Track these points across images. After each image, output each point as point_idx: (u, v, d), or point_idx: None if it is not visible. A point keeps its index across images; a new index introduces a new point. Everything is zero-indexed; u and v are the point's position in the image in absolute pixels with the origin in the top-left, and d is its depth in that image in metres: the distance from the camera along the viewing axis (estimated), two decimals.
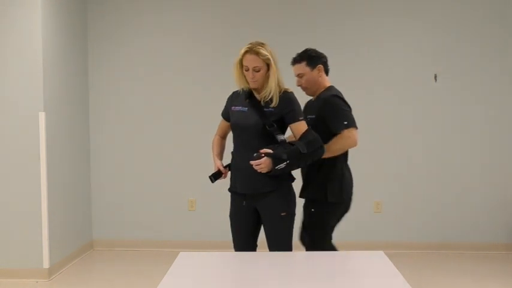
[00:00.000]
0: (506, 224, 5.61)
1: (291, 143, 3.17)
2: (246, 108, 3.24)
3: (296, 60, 3.60)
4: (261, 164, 3.08)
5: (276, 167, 3.08)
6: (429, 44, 5.61)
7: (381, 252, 2.86)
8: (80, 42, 5.59)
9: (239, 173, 3.27)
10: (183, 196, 5.79)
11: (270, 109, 3.18)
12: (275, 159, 3.08)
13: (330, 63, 3.64)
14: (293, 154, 3.10)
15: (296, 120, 3.19)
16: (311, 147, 3.15)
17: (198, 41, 5.70)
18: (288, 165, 3.10)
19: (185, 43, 5.74)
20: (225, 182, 3.42)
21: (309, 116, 3.49)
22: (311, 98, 3.68)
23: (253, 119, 3.19)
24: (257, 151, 3.11)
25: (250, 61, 3.15)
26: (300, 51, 5.86)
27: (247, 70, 3.18)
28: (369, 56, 5.64)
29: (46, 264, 4.76)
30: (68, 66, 5.29)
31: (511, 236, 5.61)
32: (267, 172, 3.11)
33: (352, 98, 5.65)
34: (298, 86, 3.60)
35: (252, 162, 3.09)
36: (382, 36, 5.64)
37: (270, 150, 3.09)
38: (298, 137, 3.19)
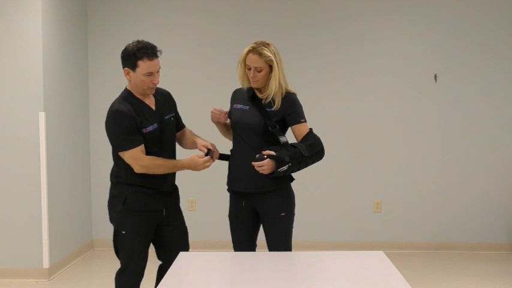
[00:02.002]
0: (506, 224, 5.61)
1: (293, 145, 3.16)
2: (248, 107, 3.23)
3: (157, 55, 3.19)
4: (264, 166, 3.07)
5: (279, 170, 3.08)
6: (429, 44, 5.60)
7: (380, 252, 2.86)
8: (80, 42, 5.59)
9: (239, 172, 3.26)
10: (183, 196, 5.73)
11: (272, 109, 3.18)
12: (278, 161, 3.07)
13: (330, 62, 3.62)
14: (295, 157, 3.09)
15: (298, 122, 3.19)
16: (313, 150, 3.15)
17: (198, 41, 5.69)
18: (289, 167, 3.10)
19: (185, 43, 5.73)
20: (224, 182, 3.42)
21: (171, 115, 3.33)
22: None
23: (255, 118, 3.18)
24: (257, 151, 3.10)
25: (253, 61, 3.14)
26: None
27: (249, 69, 3.17)
28: (369, 56, 5.63)
29: (46, 264, 4.76)
30: (68, 66, 5.29)
31: (511, 236, 5.61)
32: (269, 174, 3.10)
33: (352, 98, 5.73)
34: (156, 83, 3.22)
35: (254, 163, 3.09)
36: (382, 36, 5.63)
37: (272, 152, 3.08)
38: (299, 139, 3.19)
